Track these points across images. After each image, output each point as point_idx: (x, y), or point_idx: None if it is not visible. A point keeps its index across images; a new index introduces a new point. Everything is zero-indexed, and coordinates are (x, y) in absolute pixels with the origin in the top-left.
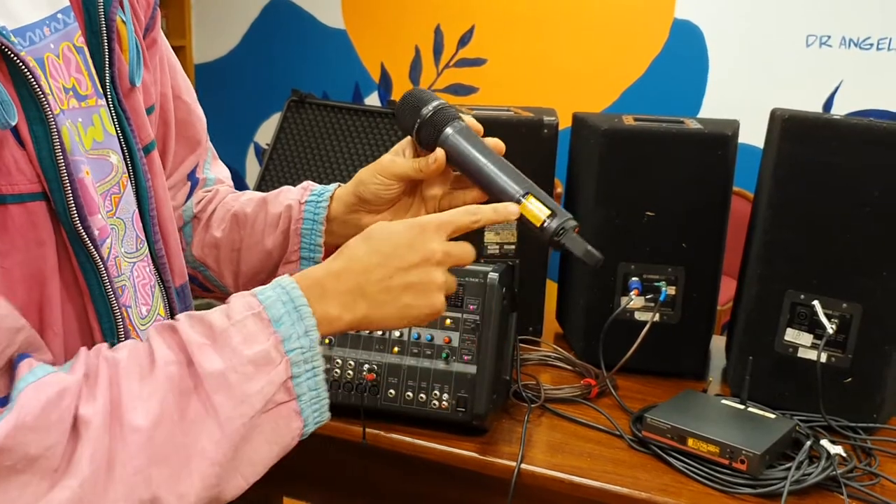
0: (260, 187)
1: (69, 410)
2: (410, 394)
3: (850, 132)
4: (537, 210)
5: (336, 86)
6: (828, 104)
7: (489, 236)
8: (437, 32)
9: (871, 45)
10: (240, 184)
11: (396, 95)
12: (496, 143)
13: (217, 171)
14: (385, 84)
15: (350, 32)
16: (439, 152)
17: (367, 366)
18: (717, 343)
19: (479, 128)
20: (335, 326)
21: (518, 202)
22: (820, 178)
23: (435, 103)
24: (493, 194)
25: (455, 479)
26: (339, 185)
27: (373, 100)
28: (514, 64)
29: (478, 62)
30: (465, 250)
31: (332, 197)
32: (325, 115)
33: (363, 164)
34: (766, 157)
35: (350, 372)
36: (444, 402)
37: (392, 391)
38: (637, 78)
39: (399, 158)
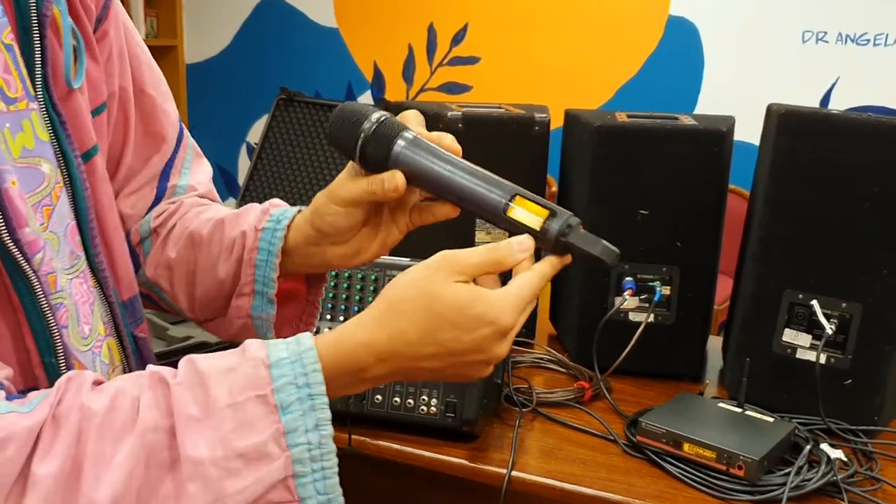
0: (248, 187)
1: (13, 463)
2: (398, 399)
3: (848, 127)
4: (531, 213)
5: (328, 85)
6: (825, 101)
7: (480, 236)
8: (431, 31)
9: (868, 40)
10: (232, 184)
11: (390, 94)
12: (452, 146)
13: (196, 174)
14: (378, 83)
15: (342, 31)
16: (396, 174)
17: None
18: (714, 343)
19: (432, 136)
20: (353, 391)
21: (504, 210)
22: (817, 174)
23: (375, 116)
24: (472, 208)
25: (444, 486)
26: (301, 210)
27: (366, 99)
28: (507, 62)
29: (471, 60)
30: (525, 321)
31: (290, 226)
32: (315, 113)
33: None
34: (763, 153)
35: None
36: (432, 408)
37: (379, 396)
38: (632, 75)
39: (350, 181)
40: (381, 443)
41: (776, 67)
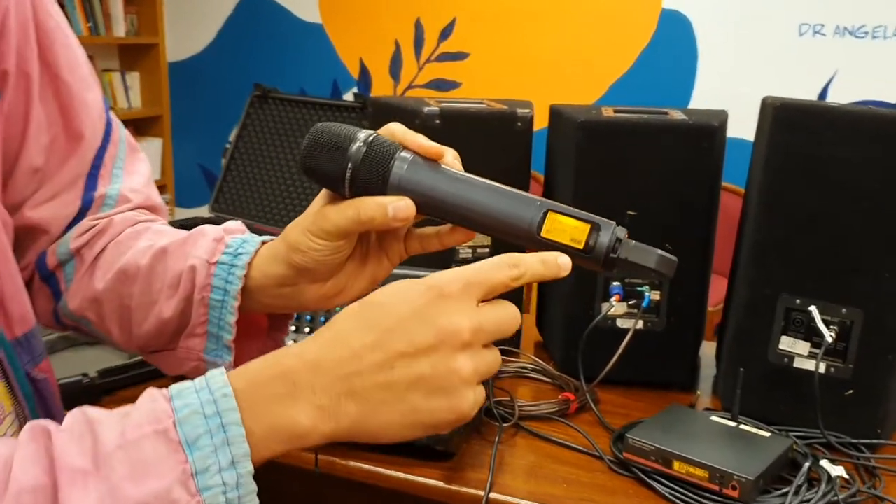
0: (222, 189)
1: None
2: None
3: (848, 121)
4: (570, 230)
5: (314, 82)
6: (822, 95)
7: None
8: (418, 26)
9: (867, 33)
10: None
11: (377, 91)
12: (455, 163)
13: (130, 177)
14: (364, 80)
15: (327, 27)
16: (405, 201)
17: None
18: (708, 349)
19: (430, 150)
20: (306, 441)
21: (538, 229)
22: (815, 171)
23: (362, 136)
24: (495, 232)
25: None
26: (264, 242)
27: (352, 97)
28: (497, 58)
29: (460, 56)
30: (505, 317)
31: (251, 263)
32: (292, 110)
33: None
34: (757, 148)
35: None
36: None
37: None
38: (625, 71)
39: (333, 209)
40: (350, 463)
41: (772, 61)
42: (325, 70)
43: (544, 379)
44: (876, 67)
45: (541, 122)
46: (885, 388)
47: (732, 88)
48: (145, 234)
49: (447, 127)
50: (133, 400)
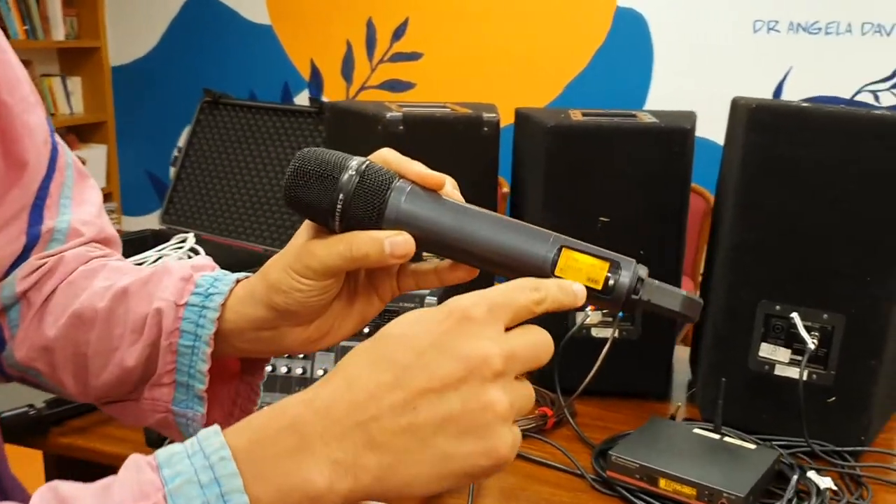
0: (172, 199)
1: None
2: None
3: (826, 121)
4: (586, 268)
5: (263, 85)
6: (777, 91)
7: None
8: (370, 26)
9: (820, 29)
10: (164, 193)
11: (329, 94)
12: (455, 193)
13: (81, 207)
14: (316, 82)
15: (276, 28)
16: (404, 236)
17: None
18: (678, 353)
19: (426, 179)
20: (323, 503)
21: (552, 268)
22: (792, 173)
23: (354, 164)
24: (504, 270)
25: None
26: (238, 280)
27: (303, 99)
28: (451, 58)
29: (413, 56)
30: (539, 342)
31: (224, 304)
32: (244, 116)
33: (286, 168)
34: (730, 151)
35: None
36: None
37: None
38: (581, 70)
39: (319, 244)
40: None
41: (727, 58)
42: (275, 72)
43: None
44: (829, 63)
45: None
46: (867, 394)
47: (688, 86)
48: (101, 271)
49: (411, 133)
50: (85, 431)
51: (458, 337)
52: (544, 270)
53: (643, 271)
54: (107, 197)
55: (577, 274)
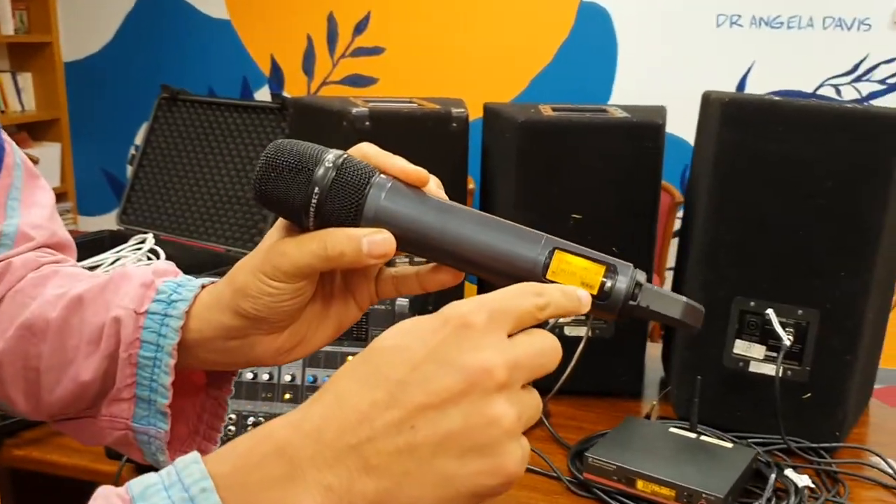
0: (130, 199)
1: None
2: None
3: (800, 116)
4: (580, 272)
5: (222, 81)
6: (741, 86)
7: None
8: (331, 20)
9: (782, 23)
10: (120, 191)
11: (289, 89)
12: (438, 192)
13: (30, 210)
14: (276, 77)
15: (235, 23)
16: (383, 234)
17: (251, 418)
18: (650, 351)
19: (408, 174)
20: None
21: (543, 272)
22: (766, 168)
23: (332, 156)
24: (490, 274)
25: None
26: (204, 286)
27: (263, 95)
28: (414, 52)
29: (375, 51)
30: (545, 348)
31: (189, 312)
32: (203, 112)
33: (249, 166)
34: (703, 147)
35: (231, 427)
36: None
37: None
38: (545, 65)
39: (291, 244)
40: None
41: (690, 52)
42: (234, 67)
43: None
44: (792, 57)
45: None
46: (843, 389)
47: (652, 80)
48: (53, 278)
49: (378, 129)
50: (41, 442)
51: (457, 346)
52: (535, 274)
53: (641, 276)
54: (61, 196)
55: (571, 278)
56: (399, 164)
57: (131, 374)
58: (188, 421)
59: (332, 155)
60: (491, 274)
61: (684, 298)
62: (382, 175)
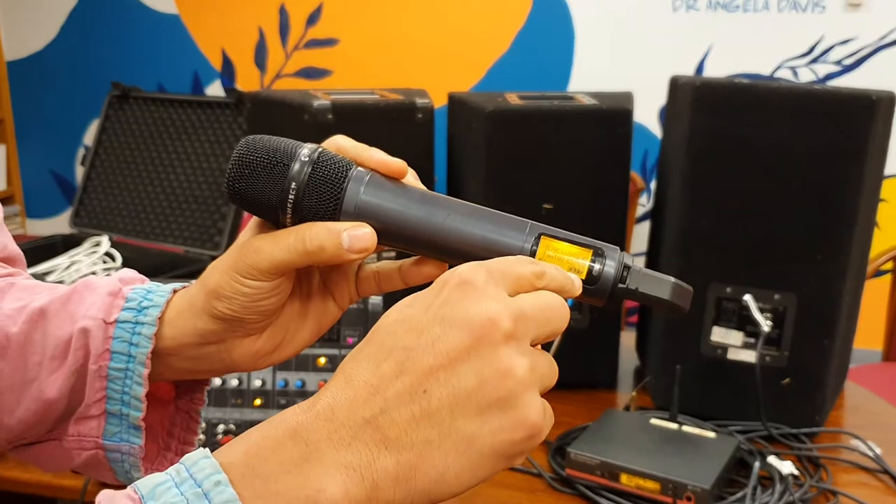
0: (82, 201)
1: None
2: None
3: (773, 99)
4: (568, 257)
5: (172, 77)
6: (699, 70)
7: None
8: (282, 12)
9: (738, 6)
10: (70, 192)
11: (242, 83)
12: (417, 183)
13: None
14: (228, 71)
15: (184, 17)
16: (364, 227)
17: (221, 426)
18: (623, 340)
19: (390, 166)
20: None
21: (531, 255)
22: (740, 153)
23: (307, 150)
24: (477, 260)
25: None
26: (176, 291)
27: (215, 89)
28: (368, 43)
29: (329, 42)
30: (551, 302)
31: (162, 318)
32: (157, 109)
33: (206, 163)
34: (673, 132)
35: (200, 436)
36: None
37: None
38: (502, 53)
39: (267, 240)
40: None
41: (648, 37)
42: (184, 62)
43: None
44: (749, 40)
45: None
46: (821, 374)
47: (610, 66)
48: (10, 291)
49: (341, 122)
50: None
51: (459, 303)
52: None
53: (629, 259)
54: (8, 200)
55: (559, 263)
56: (377, 155)
57: (101, 387)
58: (157, 437)
59: (306, 149)
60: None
61: (672, 279)
62: (360, 168)
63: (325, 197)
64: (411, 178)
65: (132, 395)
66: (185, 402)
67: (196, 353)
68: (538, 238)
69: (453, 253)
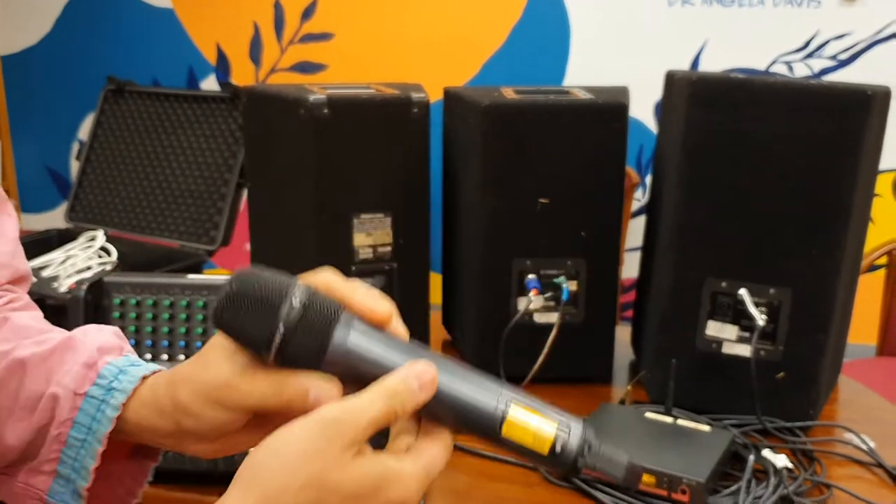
0: (77, 196)
1: None
2: None
3: (768, 94)
4: (534, 428)
5: (167, 71)
6: (694, 64)
7: (360, 238)
8: (277, 7)
9: (734, 1)
10: (64, 187)
11: (237, 78)
12: (402, 331)
13: None
14: (223, 66)
15: (178, 11)
16: (326, 388)
17: None
18: (618, 334)
19: (379, 315)
20: None
21: (500, 426)
22: (736, 148)
23: (298, 293)
24: (443, 420)
25: None
26: (146, 377)
27: (210, 84)
28: (363, 37)
29: (324, 37)
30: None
31: (126, 403)
32: (152, 103)
33: (201, 158)
34: (670, 127)
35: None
36: None
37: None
38: (498, 48)
39: (242, 377)
40: None
41: (643, 32)
42: (179, 57)
43: None
44: (744, 35)
45: None
46: (816, 368)
47: (606, 61)
48: (2, 328)
49: (337, 117)
50: None
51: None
52: (492, 428)
53: (591, 434)
54: None
55: (524, 433)
56: (362, 302)
57: (57, 450)
58: (111, 485)
59: (297, 290)
60: (445, 421)
61: (626, 461)
62: (347, 312)
63: (311, 343)
64: (396, 323)
65: (82, 466)
66: (141, 457)
67: (152, 439)
68: (509, 404)
69: (425, 407)
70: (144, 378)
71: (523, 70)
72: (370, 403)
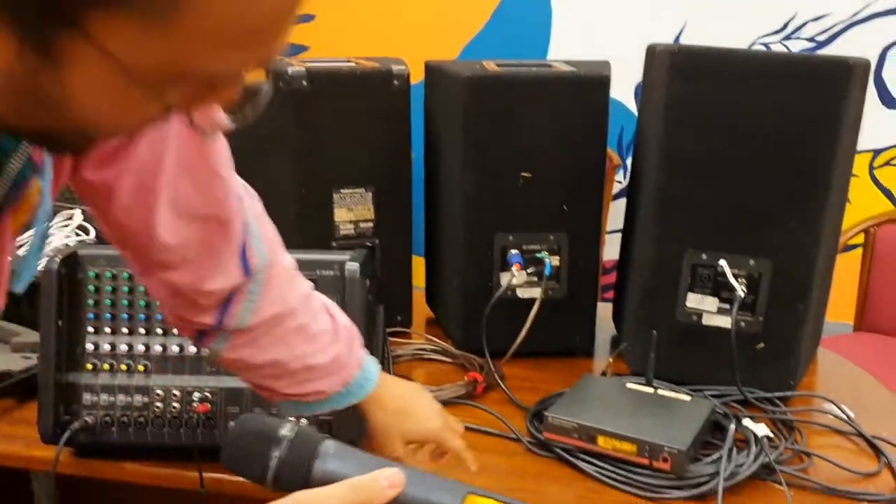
0: None
1: None
2: None
3: (749, 65)
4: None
5: None
6: None
7: (341, 213)
8: None
9: None
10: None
11: None
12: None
13: (264, 227)
14: None
15: None
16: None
17: (197, 394)
18: (600, 311)
19: None
20: None
21: None
22: (716, 119)
23: (285, 432)
24: None
25: None
26: None
27: None
28: (344, 18)
29: (305, 18)
30: None
31: None
32: None
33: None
34: (650, 100)
35: (175, 405)
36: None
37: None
38: (481, 27)
39: None
40: (240, 479)
41: (624, 14)
42: None
43: (444, 359)
44: (723, 17)
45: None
46: (795, 338)
47: (587, 41)
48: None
49: (316, 90)
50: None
51: None
52: None
53: None
54: None
55: None
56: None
57: None
58: None
59: (286, 430)
60: None
61: None
62: (326, 443)
63: (297, 474)
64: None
65: None
66: None
67: None
68: (466, 494)
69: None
70: None
71: (505, 51)
72: (337, 489)
